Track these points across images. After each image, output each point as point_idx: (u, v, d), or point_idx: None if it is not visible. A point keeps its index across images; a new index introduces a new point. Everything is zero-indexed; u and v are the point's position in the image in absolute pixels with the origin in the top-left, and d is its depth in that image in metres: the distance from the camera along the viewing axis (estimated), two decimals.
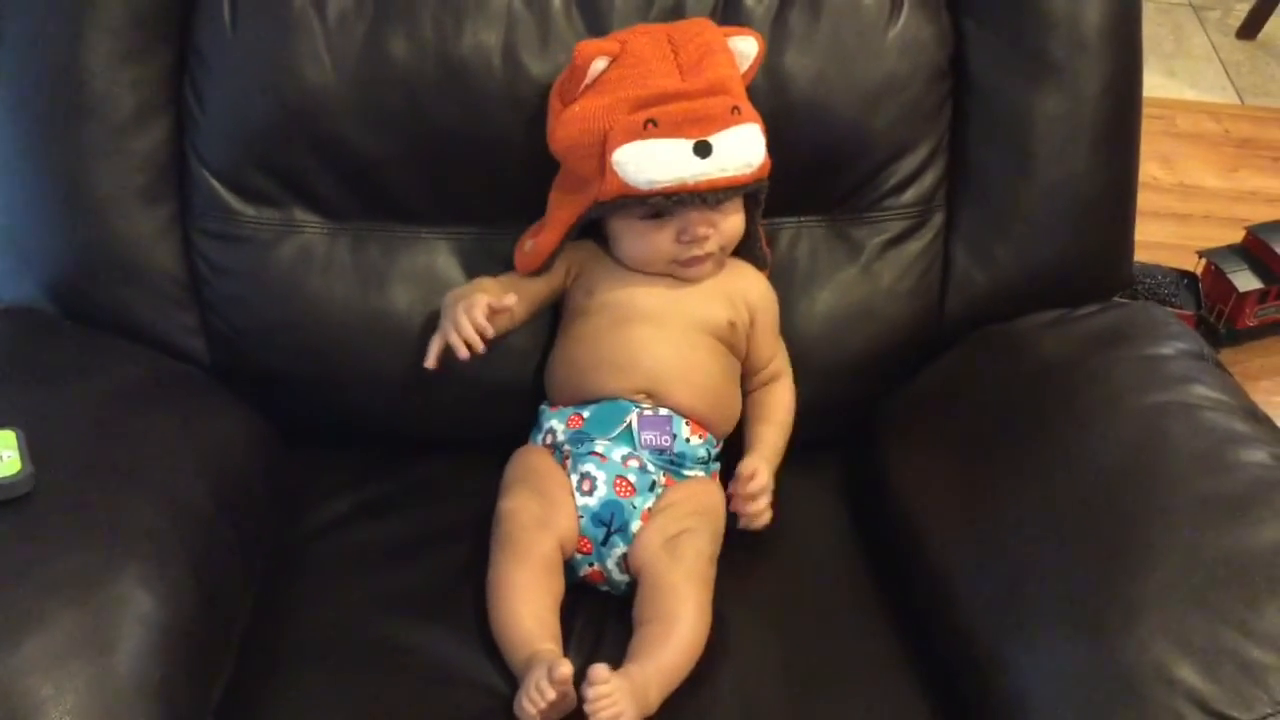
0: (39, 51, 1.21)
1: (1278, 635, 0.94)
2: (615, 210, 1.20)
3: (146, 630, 0.96)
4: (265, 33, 1.22)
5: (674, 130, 1.15)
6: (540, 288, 1.27)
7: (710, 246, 1.21)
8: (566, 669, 1.01)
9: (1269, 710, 0.92)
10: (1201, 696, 0.93)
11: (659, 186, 1.16)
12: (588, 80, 1.18)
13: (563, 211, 1.22)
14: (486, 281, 1.25)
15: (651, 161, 1.15)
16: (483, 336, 1.19)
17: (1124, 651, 0.96)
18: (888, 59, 1.28)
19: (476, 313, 1.18)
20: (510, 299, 1.20)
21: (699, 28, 1.21)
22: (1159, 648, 0.95)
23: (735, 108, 1.17)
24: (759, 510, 1.20)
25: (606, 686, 1.01)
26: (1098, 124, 1.30)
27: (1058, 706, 0.98)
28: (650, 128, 1.15)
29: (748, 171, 1.18)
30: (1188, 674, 0.94)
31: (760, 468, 1.20)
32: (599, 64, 1.18)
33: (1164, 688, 0.94)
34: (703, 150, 1.15)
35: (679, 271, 1.23)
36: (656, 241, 1.21)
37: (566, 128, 1.19)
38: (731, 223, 1.22)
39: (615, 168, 1.16)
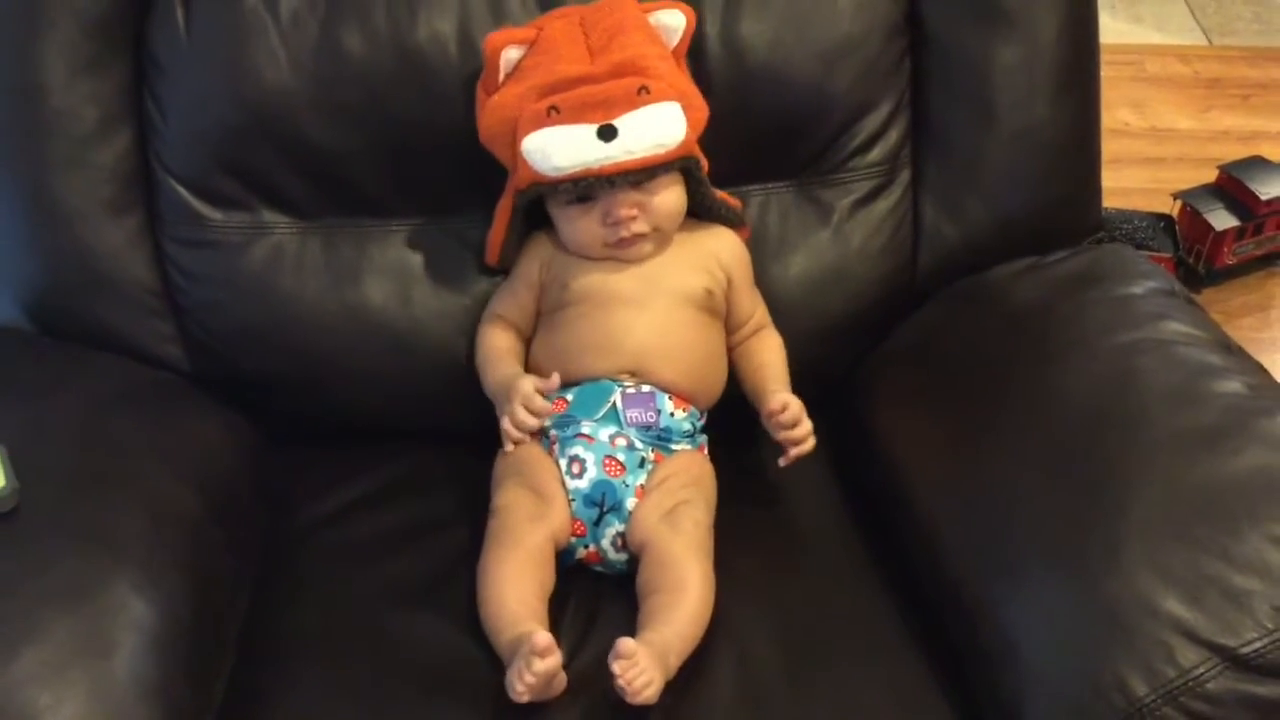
0: None
1: (1260, 561, 0.95)
2: (541, 198, 1.20)
3: (142, 635, 0.97)
4: (220, 36, 1.22)
5: (575, 116, 1.14)
6: (531, 299, 1.26)
7: (639, 227, 1.19)
8: (544, 637, 1.00)
9: (1255, 635, 0.93)
10: (1189, 626, 0.94)
11: (564, 173, 1.15)
12: (505, 70, 1.18)
13: (504, 201, 1.23)
14: (505, 339, 1.25)
15: (555, 148, 1.14)
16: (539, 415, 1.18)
17: (1109, 587, 0.96)
18: (842, 19, 1.28)
19: (536, 404, 1.17)
20: (555, 381, 1.17)
21: (613, 6, 1.20)
22: (1143, 581, 0.96)
23: (643, 88, 1.15)
24: (803, 435, 1.18)
25: (635, 657, 1.00)
26: (1056, 71, 1.30)
27: (1047, 647, 0.98)
28: (553, 114, 1.15)
29: (659, 152, 1.16)
30: (1174, 605, 0.94)
31: (786, 399, 1.18)
32: (511, 53, 1.18)
33: (1151, 620, 0.94)
34: (607, 134, 1.14)
35: (615, 254, 1.22)
36: (585, 225, 1.20)
37: (486, 119, 1.19)
38: (661, 201, 1.20)
39: (524, 156, 1.16)
